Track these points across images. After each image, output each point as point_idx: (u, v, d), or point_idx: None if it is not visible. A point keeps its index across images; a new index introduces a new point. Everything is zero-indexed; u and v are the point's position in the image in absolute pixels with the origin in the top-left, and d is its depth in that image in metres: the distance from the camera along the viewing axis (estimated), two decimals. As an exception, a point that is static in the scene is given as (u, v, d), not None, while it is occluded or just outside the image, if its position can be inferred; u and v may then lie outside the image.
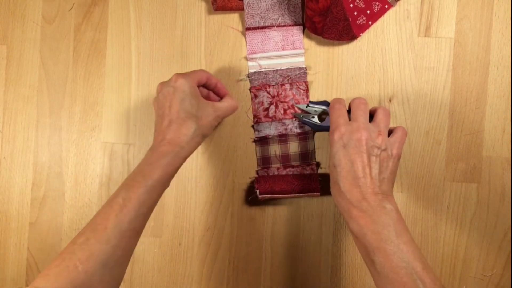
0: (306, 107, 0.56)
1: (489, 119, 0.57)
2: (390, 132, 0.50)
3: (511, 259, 0.57)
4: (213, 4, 0.58)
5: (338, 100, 0.51)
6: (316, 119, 0.55)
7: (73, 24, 0.61)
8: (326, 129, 0.53)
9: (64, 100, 0.61)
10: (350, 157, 0.45)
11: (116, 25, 0.60)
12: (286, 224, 0.59)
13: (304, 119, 0.55)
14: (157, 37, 0.60)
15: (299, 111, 0.57)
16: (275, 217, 0.59)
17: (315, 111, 0.55)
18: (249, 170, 0.59)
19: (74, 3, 0.61)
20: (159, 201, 0.60)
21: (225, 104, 0.52)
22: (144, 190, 0.44)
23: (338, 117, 0.48)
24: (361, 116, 0.48)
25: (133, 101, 0.60)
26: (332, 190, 0.47)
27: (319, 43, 0.59)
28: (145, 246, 0.60)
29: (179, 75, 0.49)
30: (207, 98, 0.54)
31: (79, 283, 0.40)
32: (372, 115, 0.50)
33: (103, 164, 0.60)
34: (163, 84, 0.50)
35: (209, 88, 0.54)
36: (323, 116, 0.55)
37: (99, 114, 0.60)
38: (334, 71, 0.59)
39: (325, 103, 0.55)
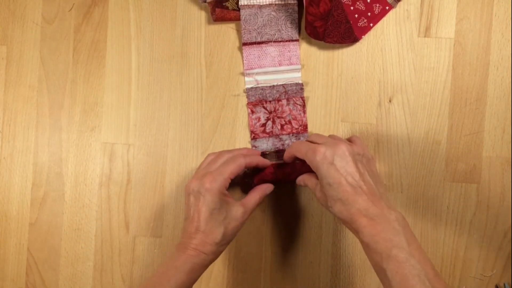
0: None
1: (489, 119, 0.57)
2: None
3: (511, 259, 0.57)
4: (212, 15, 0.58)
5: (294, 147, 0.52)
6: None
7: (73, 25, 0.61)
8: None
9: (64, 100, 0.61)
10: (342, 170, 0.45)
11: (116, 26, 0.60)
12: (286, 224, 0.59)
13: None
14: (157, 37, 0.60)
15: None
16: (275, 217, 0.59)
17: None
18: (249, 170, 0.59)
19: (74, 4, 0.60)
20: (159, 201, 0.60)
21: (254, 197, 0.52)
22: None
23: (308, 145, 0.48)
24: (323, 137, 0.50)
25: (133, 101, 0.60)
26: (334, 208, 0.46)
27: (319, 44, 0.59)
28: (145, 246, 0.60)
29: (211, 176, 0.48)
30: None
31: None
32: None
33: (103, 164, 0.60)
34: (194, 184, 0.49)
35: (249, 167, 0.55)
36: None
37: (99, 114, 0.60)
38: (334, 72, 0.59)
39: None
